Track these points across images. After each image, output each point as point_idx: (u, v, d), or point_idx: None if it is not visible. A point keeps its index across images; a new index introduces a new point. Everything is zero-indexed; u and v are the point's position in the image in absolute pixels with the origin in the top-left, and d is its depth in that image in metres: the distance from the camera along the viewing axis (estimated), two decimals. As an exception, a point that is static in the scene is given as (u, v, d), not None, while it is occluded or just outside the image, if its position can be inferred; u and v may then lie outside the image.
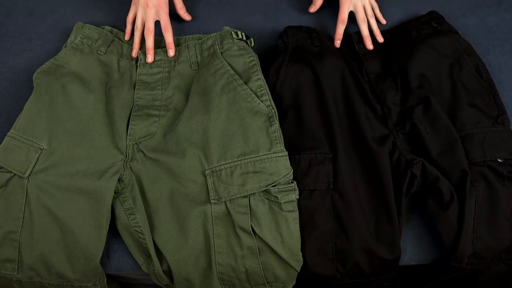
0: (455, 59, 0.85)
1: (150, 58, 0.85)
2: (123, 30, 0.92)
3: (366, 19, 0.92)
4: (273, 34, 0.96)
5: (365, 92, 0.83)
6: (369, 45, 0.90)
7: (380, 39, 0.92)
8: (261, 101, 0.77)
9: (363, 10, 0.92)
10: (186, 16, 0.97)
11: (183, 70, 0.85)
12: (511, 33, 0.97)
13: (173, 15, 0.99)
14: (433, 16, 0.93)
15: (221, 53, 0.83)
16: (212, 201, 0.71)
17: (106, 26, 0.91)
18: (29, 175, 0.73)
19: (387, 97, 0.83)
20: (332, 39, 0.93)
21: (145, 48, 0.87)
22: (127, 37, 0.91)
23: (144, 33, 0.86)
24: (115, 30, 0.92)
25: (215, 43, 0.84)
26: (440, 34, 0.88)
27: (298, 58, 0.86)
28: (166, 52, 0.86)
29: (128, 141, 0.78)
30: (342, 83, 0.83)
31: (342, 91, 0.82)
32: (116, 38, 0.89)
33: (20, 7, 1.03)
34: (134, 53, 0.87)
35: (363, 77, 0.86)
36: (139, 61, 0.85)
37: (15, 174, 0.73)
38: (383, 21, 0.97)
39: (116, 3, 1.00)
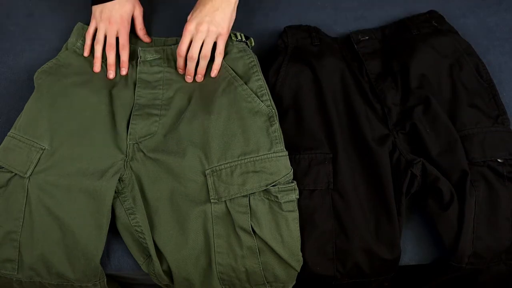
0: (455, 59, 0.85)
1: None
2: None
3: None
4: (273, 34, 0.96)
5: (365, 92, 0.83)
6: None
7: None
8: (262, 101, 0.77)
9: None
10: (146, 38, 0.91)
11: None
12: (511, 33, 0.97)
13: (173, 17, 0.99)
14: (433, 15, 0.93)
15: None
16: (212, 200, 0.71)
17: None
18: (30, 175, 0.73)
19: (387, 97, 0.83)
20: (332, 39, 0.93)
21: (145, 45, 0.89)
22: (86, 53, 0.87)
23: (106, 49, 0.85)
24: (115, 30, 0.92)
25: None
26: (440, 34, 0.88)
27: (298, 58, 0.86)
28: (165, 50, 0.86)
29: (128, 140, 0.77)
30: (342, 83, 0.83)
31: (342, 91, 0.82)
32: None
33: (20, 7, 1.03)
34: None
35: (363, 77, 0.86)
36: (138, 58, 0.85)
37: (15, 174, 0.73)
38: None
39: (116, 3, 1.00)
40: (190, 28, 0.79)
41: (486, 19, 0.99)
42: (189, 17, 0.81)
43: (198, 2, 0.81)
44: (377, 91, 0.84)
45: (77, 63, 0.85)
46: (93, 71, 0.85)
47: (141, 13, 0.92)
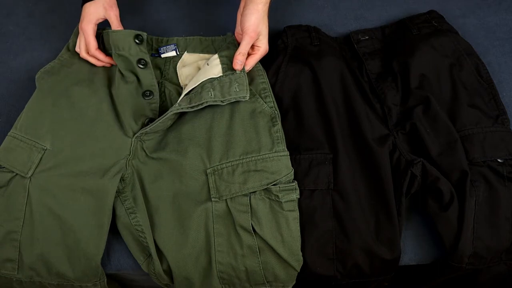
0: (455, 59, 0.85)
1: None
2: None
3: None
4: (273, 34, 0.96)
5: (365, 91, 0.83)
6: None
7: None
8: (265, 102, 0.77)
9: None
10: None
11: None
12: (511, 33, 0.97)
13: (176, 17, 0.99)
14: (433, 15, 0.93)
15: None
16: (213, 199, 0.71)
17: (107, 27, 0.91)
18: (31, 175, 0.73)
19: (387, 97, 0.83)
20: (332, 39, 0.93)
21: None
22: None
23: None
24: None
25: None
26: (440, 33, 0.88)
27: (298, 58, 0.86)
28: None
29: (132, 138, 0.77)
30: (342, 83, 0.83)
31: (342, 91, 0.82)
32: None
33: (20, 7, 1.03)
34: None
35: (363, 77, 0.86)
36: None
37: (16, 174, 0.74)
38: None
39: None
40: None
41: (486, 19, 0.99)
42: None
43: None
44: (377, 91, 0.84)
45: (78, 63, 0.85)
46: (94, 70, 0.84)
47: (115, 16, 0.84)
